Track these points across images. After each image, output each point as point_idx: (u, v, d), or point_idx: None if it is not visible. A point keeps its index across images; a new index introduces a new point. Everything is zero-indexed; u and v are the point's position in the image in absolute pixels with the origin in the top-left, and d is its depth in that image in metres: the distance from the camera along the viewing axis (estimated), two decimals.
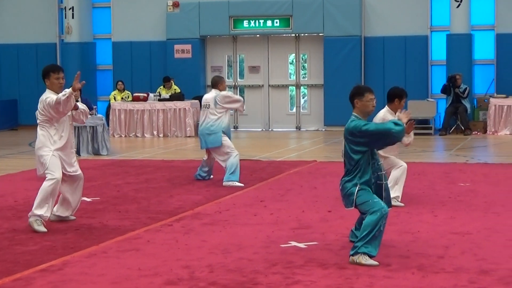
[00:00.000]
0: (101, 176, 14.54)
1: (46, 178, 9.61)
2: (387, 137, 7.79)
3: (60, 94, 9.58)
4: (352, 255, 7.67)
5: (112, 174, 14.89)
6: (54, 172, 9.59)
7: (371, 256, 7.60)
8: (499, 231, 9.21)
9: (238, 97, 14.44)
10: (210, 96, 13.68)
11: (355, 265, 7.54)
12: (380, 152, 10.17)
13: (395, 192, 10.74)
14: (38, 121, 9.89)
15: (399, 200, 10.94)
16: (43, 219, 9.58)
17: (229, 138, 13.67)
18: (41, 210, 9.51)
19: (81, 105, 10.04)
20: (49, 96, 9.71)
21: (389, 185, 10.57)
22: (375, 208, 7.70)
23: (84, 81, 9.73)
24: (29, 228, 9.55)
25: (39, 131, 9.84)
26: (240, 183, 13.23)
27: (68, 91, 9.49)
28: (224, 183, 13.27)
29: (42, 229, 9.48)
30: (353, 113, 8.02)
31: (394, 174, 10.95)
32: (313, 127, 25.31)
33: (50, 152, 9.66)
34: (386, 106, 10.83)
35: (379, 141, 7.95)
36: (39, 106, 9.84)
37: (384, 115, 10.65)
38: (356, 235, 8.21)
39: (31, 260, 8.02)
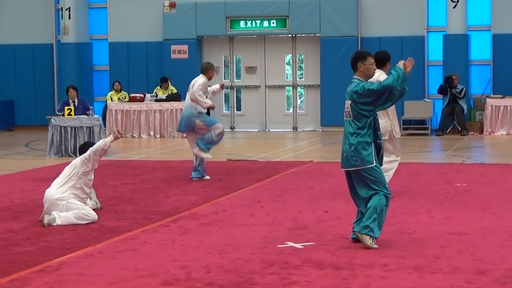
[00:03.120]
0: (98, 177, 14.43)
1: None
2: (390, 91, 8.28)
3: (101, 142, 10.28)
4: (359, 230, 8.20)
5: (109, 174, 14.87)
6: None
7: (374, 238, 8.20)
8: (495, 231, 9.21)
9: (204, 100, 13.70)
10: (193, 81, 13.83)
11: (352, 265, 7.54)
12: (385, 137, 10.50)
13: None
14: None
15: None
16: None
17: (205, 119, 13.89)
18: None
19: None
20: None
21: None
22: (385, 192, 8.30)
23: None
24: (26, 229, 9.53)
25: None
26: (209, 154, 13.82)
27: (109, 139, 10.24)
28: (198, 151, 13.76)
29: None
30: (355, 76, 8.49)
31: (386, 166, 10.66)
32: (309, 127, 25.30)
33: None
34: (377, 69, 10.71)
35: (383, 97, 8.32)
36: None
37: (379, 76, 10.69)
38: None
39: (28, 261, 8.01)
